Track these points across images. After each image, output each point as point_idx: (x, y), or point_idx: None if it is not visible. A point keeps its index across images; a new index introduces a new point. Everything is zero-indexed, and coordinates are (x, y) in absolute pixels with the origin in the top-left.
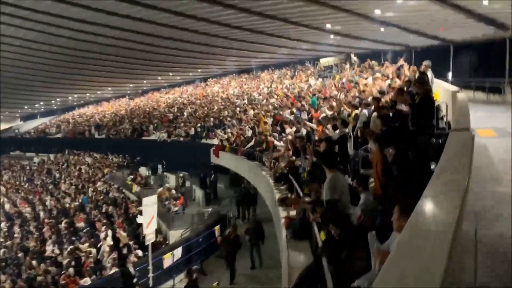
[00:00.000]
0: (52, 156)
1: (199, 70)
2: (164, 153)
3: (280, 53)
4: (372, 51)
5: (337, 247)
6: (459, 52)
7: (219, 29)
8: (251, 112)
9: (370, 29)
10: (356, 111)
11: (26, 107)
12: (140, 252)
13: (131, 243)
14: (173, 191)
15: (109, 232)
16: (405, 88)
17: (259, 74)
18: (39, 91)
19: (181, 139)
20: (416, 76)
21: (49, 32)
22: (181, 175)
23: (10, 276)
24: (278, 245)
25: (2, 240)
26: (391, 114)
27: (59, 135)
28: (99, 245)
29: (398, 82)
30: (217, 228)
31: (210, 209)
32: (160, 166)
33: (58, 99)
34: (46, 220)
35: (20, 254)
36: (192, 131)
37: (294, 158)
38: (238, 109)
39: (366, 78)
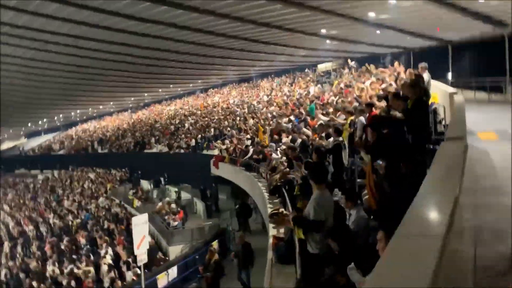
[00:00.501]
0: (56, 172)
1: (199, 81)
2: (166, 166)
3: (279, 61)
4: (371, 55)
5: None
6: (458, 52)
7: (215, 39)
8: (251, 121)
9: (366, 33)
10: (351, 118)
11: (29, 124)
12: (139, 270)
13: (130, 260)
14: (173, 205)
15: (109, 250)
16: (401, 92)
17: (259, 82)
18: (41, 108)
19: (182, 150)
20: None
21: (47, 49)
22: (175, 189)
23: None
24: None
25: (4, 261)
26: (383, 121)
27: (62, 152)
28: (100, 263)
29: (394, 86)
30: (214, 243)
31: (210, 223)
32: (162, 179)
33: (61, 115)
34: (48, 239)
35: (21, 275)
36: (193, 143)
37: (288, 169)
38: (238, 118)
39: (363, 82)
